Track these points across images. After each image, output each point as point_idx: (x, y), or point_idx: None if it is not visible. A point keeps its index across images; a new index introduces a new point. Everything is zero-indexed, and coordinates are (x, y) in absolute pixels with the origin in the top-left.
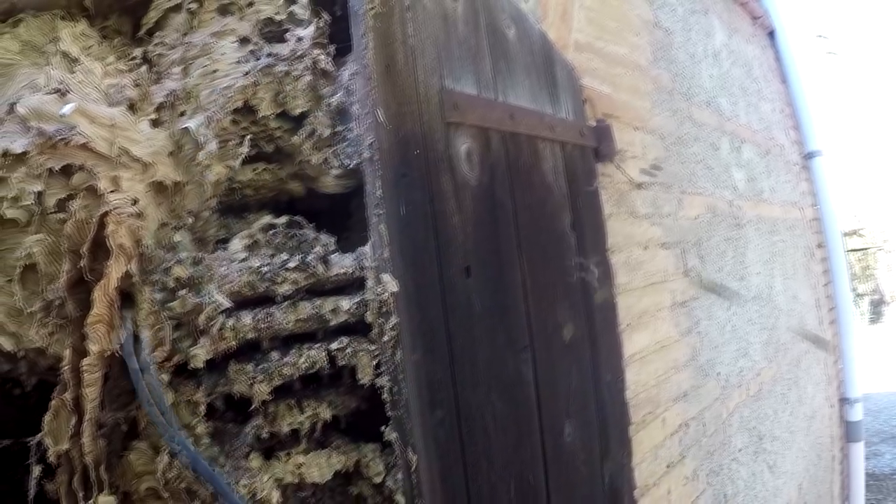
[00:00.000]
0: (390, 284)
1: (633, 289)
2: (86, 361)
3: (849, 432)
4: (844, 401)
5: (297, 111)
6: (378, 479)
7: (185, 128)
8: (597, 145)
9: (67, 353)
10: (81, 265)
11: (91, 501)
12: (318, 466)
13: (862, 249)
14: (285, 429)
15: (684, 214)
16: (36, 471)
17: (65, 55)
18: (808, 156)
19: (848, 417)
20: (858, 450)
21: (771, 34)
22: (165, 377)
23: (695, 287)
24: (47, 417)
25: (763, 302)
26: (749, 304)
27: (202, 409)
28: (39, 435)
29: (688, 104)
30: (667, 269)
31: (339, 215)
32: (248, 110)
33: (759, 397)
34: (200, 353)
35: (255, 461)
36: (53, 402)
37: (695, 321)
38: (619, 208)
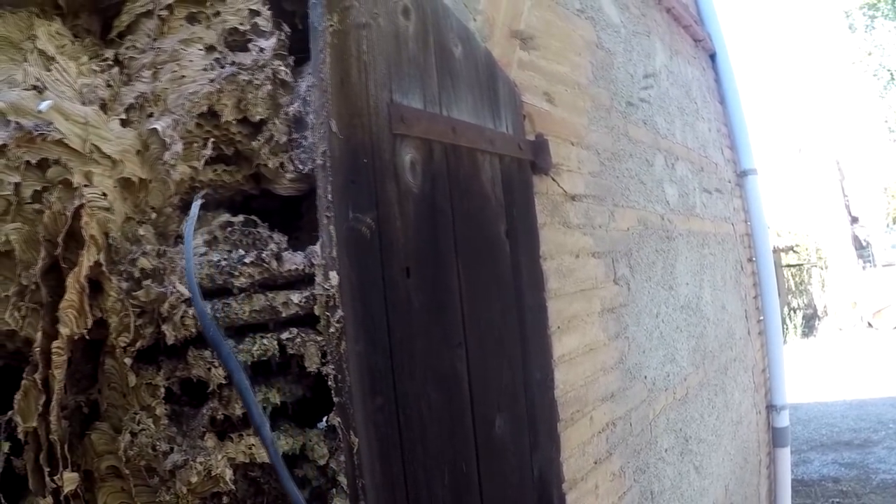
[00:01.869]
0: (337, 281)
1: (564, 294)
2: (56, 344)
3: (775, 438)
4: (771, 408)
5: (257, 118)
6: (322, 462)
7: (154, 129)
8: (534, 159)
9: (39, 335)
10: (56, 254)
11: (57, 477)
12: None
13: (797, 265)
14: (238, 412)
15: (616, 226)
16: (5, 447)
17: (41, 53)
18: (742, 174)
19: (775, 424)
20: (785, 455)
21: (713, 56)
22: (128, 361)
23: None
24: (18, 396)
25: (691, 311)
26: (677, 313)
27: (161, 391)
28: (9, 413)
29: (624, 122)
30: (597, 277)
31: (289, 215)
32: (211, 115)
33: (685, 401)
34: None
35: (210, 441)
36: (24, 382)
37: (623, 326)
38: (553, 218)
